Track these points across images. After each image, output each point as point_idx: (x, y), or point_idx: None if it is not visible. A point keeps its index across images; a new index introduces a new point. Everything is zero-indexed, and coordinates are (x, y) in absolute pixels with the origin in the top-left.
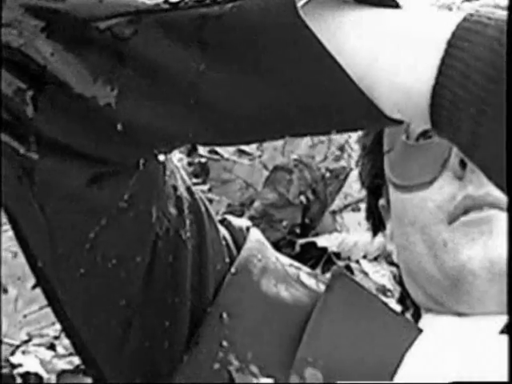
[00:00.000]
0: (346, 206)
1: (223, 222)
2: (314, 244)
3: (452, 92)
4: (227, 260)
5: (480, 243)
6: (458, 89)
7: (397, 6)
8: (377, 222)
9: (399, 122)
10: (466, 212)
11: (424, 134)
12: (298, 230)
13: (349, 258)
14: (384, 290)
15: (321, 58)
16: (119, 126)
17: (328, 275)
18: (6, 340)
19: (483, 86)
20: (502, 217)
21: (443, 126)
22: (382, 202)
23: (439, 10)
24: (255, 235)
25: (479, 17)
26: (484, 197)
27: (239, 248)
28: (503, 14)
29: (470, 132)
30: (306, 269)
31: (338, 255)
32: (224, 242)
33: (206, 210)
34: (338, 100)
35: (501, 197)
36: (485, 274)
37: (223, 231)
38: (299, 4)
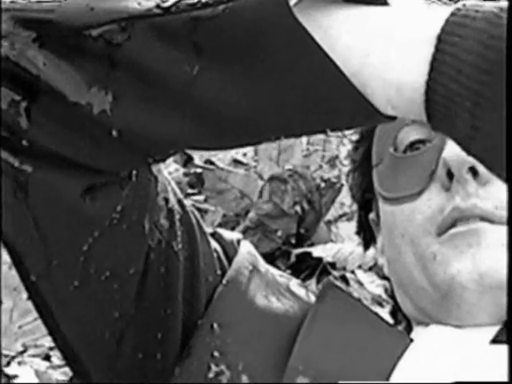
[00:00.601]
0: (340, 216)
1: (214, 234)
2: (309, 254)
3: (445, 87)
4: (219, 272)
5: (468, 256)
6: (451, 83)
7: (385, 3)
8: (368, 236)
9: (393, 118)
10: (453, 224)
11: (411, 146)
12: (293, 240)
13: (344, 268)
14: (379, 300)
15: (315, 56)
16: (114, 133)
17: (319, 286)
18: (1, 351)
19: (476, 79)
20: (490, 229)
21: (439, 121)
22: (372, 215)
23: (427, 5)
24: (246, 247)
25: (467, 10)
26: (471, 209)
27: (230, 260)
28: (490, 5)
29: (466, 125)
30: (296, 280)
31: (333, 265)
32: (215, 255)
33: (197, 222)
34: (332, 97)
35: (488, 208)
36: (474, 286)
37: (214, 244)
38: (292, 3)
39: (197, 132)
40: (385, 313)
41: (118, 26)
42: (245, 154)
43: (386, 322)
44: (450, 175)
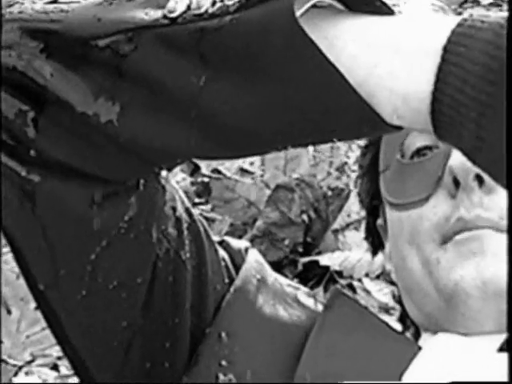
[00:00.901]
0: (347, 225)
1: (222, 243)
2: (316, 262)
3: (451, 97)
4: (226, 280)
5: (472, 263)
6: (456, 94)
7: (391, 13)
8: (376, 242)
9: (399, 128)
10: (458, 233)
11: (418, 152)
12: (300, 249)
13: (351, 277)
14: (387, 308)
15: (321, 67)
16: (121, 143)
17: (327, 295)
18: (9, 361)
19: (482, 90)
20: (495, 236)
21: (445, 132)
22: (379, 221)
23: (433, 14)
24: (254, 256)
25: (473, 21)
26: (475, 219)
27: (238, 269)
28: (497, 16)
29: (472, 136)
30: (305, 289)
31: (340, 274)
32: (223, 263)
33: (205, 231)
34: (338, 107)
35: (493, 218)
36: (477, 293)
37: (222, 252)
38: (297, 14)
39: (203, 142)
40: (392, 321)
41: (125, 36)
42: (252, 163)
43: (394, 330)
44: (456, 182)
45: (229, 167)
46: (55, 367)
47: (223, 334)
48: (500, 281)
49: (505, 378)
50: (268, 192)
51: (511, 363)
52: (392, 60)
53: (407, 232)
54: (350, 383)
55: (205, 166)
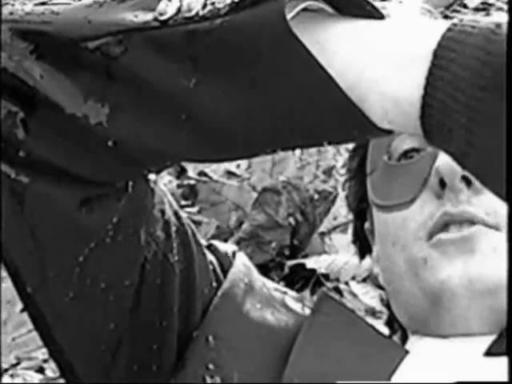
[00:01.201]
0: (334, 228)
1: (210, 247)
2: (302, 265)
3: (441, 102)
4: (214, 284)
5: (459, 261)
6: (447, 98)
7: (382, 17)
8: (363, 246)
9: (389, 132)
10: (444, 228)
11: (405, 154)
12: (286, 252)
13: (338, 280)
14: (373, 312)
15: (312, 70)
16: (110, 144)
17: (314, 298)
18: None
19: (472, 95)
20: (482, 233)
21: (435, 136)
22: (367, 225)
23: (422, 18)
24: (241, 260)
25: (463, 26)
26: (461, 213)
27: (226, 272)
28: (487, 22)
29: (462, 141)
30: (292, 293)
31: (326, 277)
32: (211, 267)
33: (193, 234)
34: (329, 111)
35: (479, 213)
36: (464, 291)
37: (210, 256)
38: (288, 17)
39: (193, 145)
40: (379, 324)
41: (114, 38)
42: (238, 166)
43: (381, 334)
44: (442, 184)
45: (215, 170)
46: (41, 370)
47: (210, 338)
48: (486, 279)
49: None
50: (255, 195)
51: (511, 363)
52: (383, 64)
53: (393, 234)
54: (344, 383)
55: (191, 169)
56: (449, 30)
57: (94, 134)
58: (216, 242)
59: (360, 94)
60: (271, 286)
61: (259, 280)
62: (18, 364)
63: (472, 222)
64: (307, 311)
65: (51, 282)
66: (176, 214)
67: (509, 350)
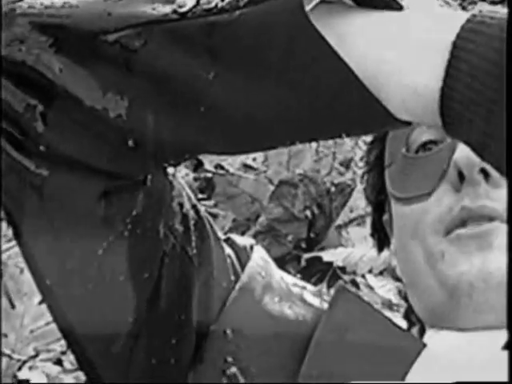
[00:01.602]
0: (351, 221)
1: (227, 240)
2: (319, 258)
3: (460, 93)
4: (232, 278)
5: (477, 257)
6: (465, 90)
7: (400, 8)
8: (382, 238)
9: (407, 123)
10: (463, 224)
11: (424, 146)
12: (303, 245)
13: (354, 273)
14: (390, 305)
15: (330, 61)
16: (130, 138)
17: (330, 291)
18: (13, 355)
19: (490, 86)
20: (500, 229)
21: (453, 127)
22: (385, 217)
23: (442, 10)
24: (259, 253)
25: (482, 17)
26: (480, 209)
27: (243, 266)
28: (505, 13)
29: (480, 132)
30: (311, 288)
31: (343, 270)
32: (229, 260)
33: (211, 227)
34: (347, 102)
35: (499, 208)
36: (482, 285)
37: (228, 250)
38: (307, 9)
39: (212, 137)
40: (396, 317)
41: (134, 31)
42: (255, 159)
43: (399, 327)
44: (460, 176)
45: (232, 163)
46: (59, 362)
47: (228, 331)
48: (505, 273)
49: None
50: (271, 188)
51: (511, 363)
52: (401, 55)
53: (411, 226)
54: (357, 383)
55: (208, 162)
56: (468, 21)
57: (113, 127)
58: (234, 236)
59: (378, 85)
60: (290, 281)
61: (277, 274)
62: (36, 356)
63: (490, 217)
64: (325, 306)
65: (70, 274)
66: (194, 207)
67: (509, 348)
